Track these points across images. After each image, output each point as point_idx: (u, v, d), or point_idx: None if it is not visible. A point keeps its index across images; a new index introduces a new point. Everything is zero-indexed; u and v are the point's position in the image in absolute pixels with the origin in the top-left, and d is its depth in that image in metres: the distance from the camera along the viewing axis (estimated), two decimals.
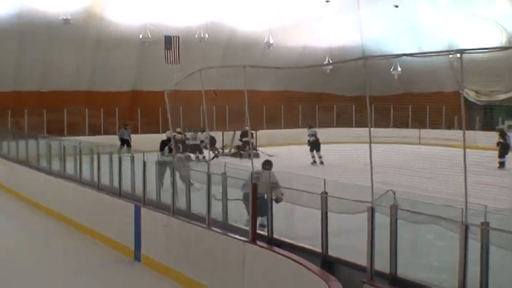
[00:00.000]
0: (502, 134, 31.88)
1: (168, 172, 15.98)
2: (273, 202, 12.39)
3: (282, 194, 12.50)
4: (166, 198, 15.09)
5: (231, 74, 33.86)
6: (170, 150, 20.66)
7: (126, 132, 38.12)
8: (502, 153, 30.97)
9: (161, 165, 17.04)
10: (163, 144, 23.76)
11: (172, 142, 19.70)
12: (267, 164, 14.60)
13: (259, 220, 12.71)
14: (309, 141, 34.21)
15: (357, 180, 10.85)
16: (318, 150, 33.02)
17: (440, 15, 45.12)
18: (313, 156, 32.58)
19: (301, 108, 48.64)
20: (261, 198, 12.25)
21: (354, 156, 16.67)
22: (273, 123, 46.24)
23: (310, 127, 35.56)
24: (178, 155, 18.82)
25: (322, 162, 31.74)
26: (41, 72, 42.32)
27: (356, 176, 11.87)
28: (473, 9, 43.89)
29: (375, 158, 9.88)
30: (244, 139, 36.83)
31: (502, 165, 30.56)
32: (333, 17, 47.51)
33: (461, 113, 9.53)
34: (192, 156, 28.28)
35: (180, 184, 14.83)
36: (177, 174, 15.09)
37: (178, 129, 28.64)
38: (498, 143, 31.32)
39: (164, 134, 25.09)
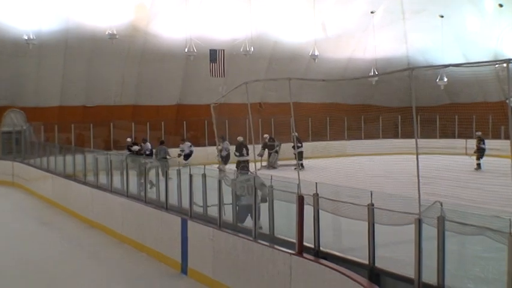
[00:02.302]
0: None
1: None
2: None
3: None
4: (212, 212, 15.14)
5: (276, 87, 34.02)
6: None
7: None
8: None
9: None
10: None
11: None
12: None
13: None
14: (221, 156, 30.61)
15: (403, 192, 10.79)
16: (226, 163, 31.63)
17: (486, 25, 44.73)
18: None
19: (346, 120, 48.45)
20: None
21: (400, 168, 16.57)
22: (318, 135, 46.18)
23: (223, 139, 33.55)
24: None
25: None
26: (87, 87, 42.78)
27: (402, 188, 11.80)
28: None
29: (421, 169, 9.82)
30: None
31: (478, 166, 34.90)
32: (378, 28, 47.29)
33: (508, 123, 9.44)
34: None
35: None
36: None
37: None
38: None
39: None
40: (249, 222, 14.21)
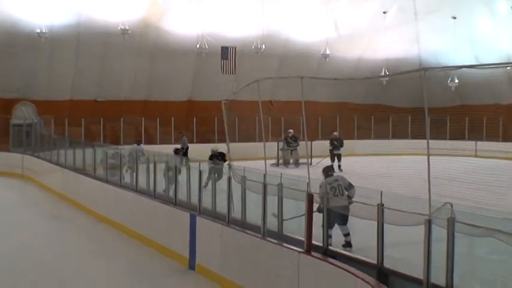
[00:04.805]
0: None
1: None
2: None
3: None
4: (221, 208, 15.15)
5: (287, 85, 33.97)
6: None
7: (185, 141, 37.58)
8: None
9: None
10: None
11: None
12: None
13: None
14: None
15: (413, 192, 10.77)
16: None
17: (498, 27, 44.60)
18: None
19: (356, 119, 48.37)
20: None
21: (410, 168, 16.55)
22: (328, 134, 46.18)
23: (138, 143, 31.12)
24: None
25: None
26: (98, 82, 42.89)
27: (412, 188, 11.79)
28: None
29: (431, 170, 9.79)
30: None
31: None
32: (390, 28, 47.17)
33: None
34: None
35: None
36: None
37: None
38: None
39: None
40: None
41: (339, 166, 34.09)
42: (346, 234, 14.05)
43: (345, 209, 13.38)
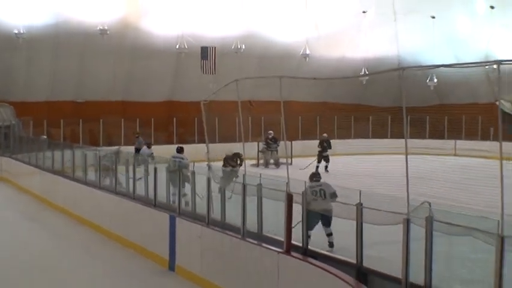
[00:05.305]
0: None
1: None
2: None
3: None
4: (201, 209, 15.12)
5: (267, 85, 33.84)
6: None
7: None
8: None
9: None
10: None
11: None
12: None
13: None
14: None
15: (392, 192, 10.80)
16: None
17: (477, 26, 44.80)
18: None
19: (336, 119, 48.42)
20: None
21: (389, 168, 16.60)
22: (308, 134, 46.20)
23: (148, 146, 30.43)
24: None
25: None
26: (76, 83, 42.67)
27: (391, 188, 11.81)
28: (511, 20, 43.51)
29: (410, 169, 9.82)
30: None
31: None
32: (370, 27, 47.29)
33: (497, 124, 9.46)
34: None
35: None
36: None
37: None
38: None
39: None
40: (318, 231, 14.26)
41: (326, 167, 34.10)
42: (329, 235, 14.25)
43: (326, 211, 13.71)
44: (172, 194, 17.37)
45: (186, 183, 16.61)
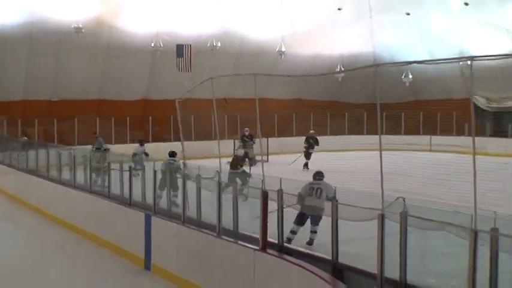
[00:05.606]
0: None
1: None
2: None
3: None
4: (176, 208, 15.12)
5: (242, 83, 33.82)
6: None
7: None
8: None
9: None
10: None
11: None
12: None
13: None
14: None
15: (367, 188, 10.82)
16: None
17: (451, 23, 45.02)
18: None
19: (312, 116, 48.47)
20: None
21: (365, 164, 16.64)
22: (284, 131, 46.22)
23: (141, 143, 30.87)
24: None
25: None
26: (51, 81, 42.33)
27: (366, 184, 11.84)
28: (485, 17, 43.78)
29: (385, 165, 9.85)
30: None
31: None
32: (345, 24, 47.33)
33: (471, 120, 9.50)
34: None
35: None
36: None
37: None
38: None
39: None
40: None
41: (306, 164, 34.15)
42: (313, 232, 14.32)
43: (316, 209, 13.89)
44: (172, 195, 17.27)
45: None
